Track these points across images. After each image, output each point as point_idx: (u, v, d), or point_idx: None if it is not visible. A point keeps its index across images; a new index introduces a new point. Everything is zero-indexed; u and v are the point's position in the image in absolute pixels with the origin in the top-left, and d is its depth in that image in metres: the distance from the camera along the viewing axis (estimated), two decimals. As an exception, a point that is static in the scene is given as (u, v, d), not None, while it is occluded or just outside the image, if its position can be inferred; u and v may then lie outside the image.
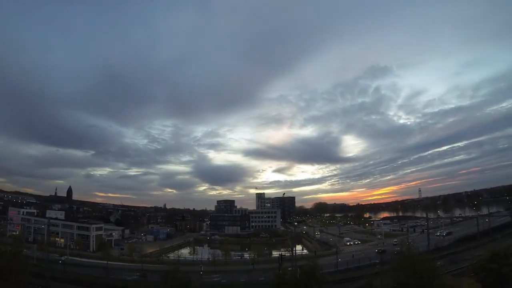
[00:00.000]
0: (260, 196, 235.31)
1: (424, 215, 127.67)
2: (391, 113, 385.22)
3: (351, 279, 44.84)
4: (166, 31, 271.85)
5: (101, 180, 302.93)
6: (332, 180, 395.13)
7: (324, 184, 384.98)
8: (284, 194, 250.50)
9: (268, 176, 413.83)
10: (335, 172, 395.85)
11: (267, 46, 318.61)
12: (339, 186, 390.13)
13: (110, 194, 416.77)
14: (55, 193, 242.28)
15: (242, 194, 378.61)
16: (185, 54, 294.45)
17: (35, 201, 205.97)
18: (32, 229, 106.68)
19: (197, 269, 54.28)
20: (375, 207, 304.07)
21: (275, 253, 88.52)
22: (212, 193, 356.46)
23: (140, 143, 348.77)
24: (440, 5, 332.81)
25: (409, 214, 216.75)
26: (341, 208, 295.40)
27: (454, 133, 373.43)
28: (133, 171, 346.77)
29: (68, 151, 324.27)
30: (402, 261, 25.31)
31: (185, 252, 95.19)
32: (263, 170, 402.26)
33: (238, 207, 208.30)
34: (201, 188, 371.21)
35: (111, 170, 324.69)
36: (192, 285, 23.54)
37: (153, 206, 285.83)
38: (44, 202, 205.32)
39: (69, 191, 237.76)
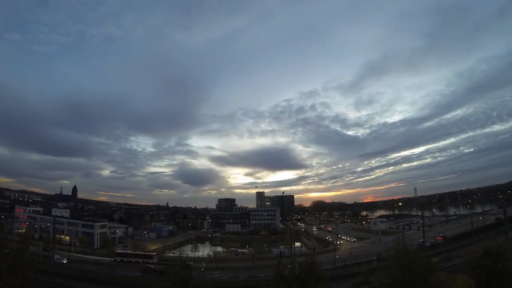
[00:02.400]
0: (260, 195, 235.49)
1: (420, 213, 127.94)
2: (337, 126, 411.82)
3: (348, 275, 44.87)
4: (117, 75, 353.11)
5: (99, 181, 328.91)
6: (309, 181, 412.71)
7: (302, 186, 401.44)
8: (283, 192, 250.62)
9: (244, 179, 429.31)
10: (307, 174, 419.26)
11: (199, 78, 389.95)
12: (322, 186, 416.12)
13: (111, 193, 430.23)
14: (61, 192, 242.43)
15: (229, 194, 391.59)
16: (142, 87, 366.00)
17: (41, 200, 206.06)
18: (38, 227, 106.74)
19: (198, 266, 54.34)
20: (372, 206, 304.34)
21: (275, 250, 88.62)
22: (202, 193, 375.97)
23: (119, 152, 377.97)
24: (351, 34, 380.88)
25: (405, 212, 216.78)
26: (339, 207, 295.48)
27: (408, 140, 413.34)
28: (120, 174, 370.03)
29: (62, 158, 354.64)
30: (398, 258, 25.26)
31: (187, 249, 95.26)
32: (238, 173, 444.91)
33: (238, 205, 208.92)
34: (191, 188, 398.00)
35: (106, 172, 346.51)
36: (193, 282, 23.52)
37: (155, 204, 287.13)
38: (50, 201, 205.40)
39: (74, 190, 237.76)
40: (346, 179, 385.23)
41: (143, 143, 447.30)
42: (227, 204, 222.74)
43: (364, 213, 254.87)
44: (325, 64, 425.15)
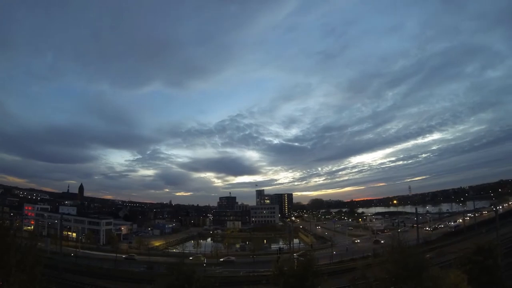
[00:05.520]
0: (260, 193, 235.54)
1: (414, 211, 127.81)
2: (280, 140, 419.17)
3: (345, 270, 44.83)
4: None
5: (100, 180, 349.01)
6: (280, 182, 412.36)
7: (277, 186, 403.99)
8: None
9: (219, 182, 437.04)
10: (275, 177, 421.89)
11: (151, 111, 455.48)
12: (300, 187, 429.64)
13: (117, 192, 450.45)
14: (68, 190, 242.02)
15: (217, 194, 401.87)
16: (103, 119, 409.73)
17: (48, 198, 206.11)
18: (46, 224, 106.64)
19: (201, 262, 54.38)
20: (368, 203, 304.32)
21: (274, 246, 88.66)
22: (192, 193, 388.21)
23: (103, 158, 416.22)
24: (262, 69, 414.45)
25: (400, 209, 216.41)
26: (336, 204, 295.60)
27: (353, 148, 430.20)
28: (114, 174, 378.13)
29: (60, 164, 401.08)
30: (394, 253, 25.24)
31: (189, 245, 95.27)
32: (210, 177, 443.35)
33: (239, 203, 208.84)
34: (180, 188, 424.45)
35: (102, 174, 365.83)
36: (195, 277, 23.51)
37: (159, 202, 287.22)
38: (57, 199, 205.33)
39: (81, 188, 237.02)
40: (317, 181, 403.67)
41: (120, 152, 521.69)
42: (228, 202, 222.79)
43: (360, 210, 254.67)
44: (244, 92, 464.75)
